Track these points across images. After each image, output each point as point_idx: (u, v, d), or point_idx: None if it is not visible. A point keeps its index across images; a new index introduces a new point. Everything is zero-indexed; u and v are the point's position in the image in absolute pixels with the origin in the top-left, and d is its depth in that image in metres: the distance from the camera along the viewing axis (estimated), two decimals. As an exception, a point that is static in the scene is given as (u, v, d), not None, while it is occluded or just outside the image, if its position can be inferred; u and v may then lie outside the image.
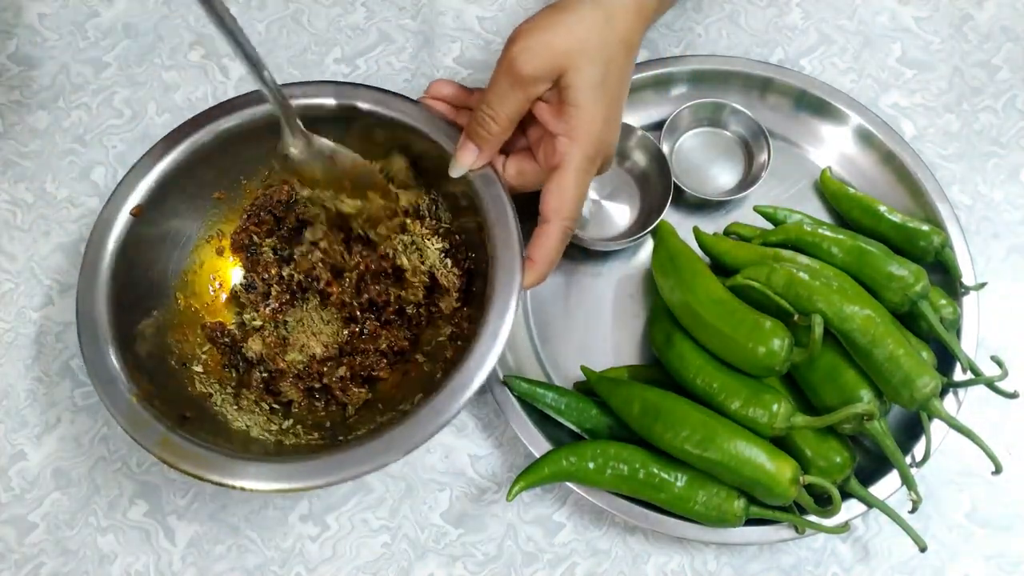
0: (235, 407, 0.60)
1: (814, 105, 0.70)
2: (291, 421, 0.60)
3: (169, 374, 0.59)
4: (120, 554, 0.61)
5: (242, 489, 0.52)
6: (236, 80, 0.74)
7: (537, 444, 0.60)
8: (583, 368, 0.63)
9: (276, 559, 0.61)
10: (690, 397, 0.59)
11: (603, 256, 0.68)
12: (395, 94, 0.61)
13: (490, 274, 0.56)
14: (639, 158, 0.69)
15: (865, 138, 0.69)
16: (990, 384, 0.59)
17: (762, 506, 0.57)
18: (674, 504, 0.57)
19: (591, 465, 0.57)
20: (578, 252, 0.68)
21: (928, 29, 0.75)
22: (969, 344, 0.62)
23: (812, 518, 0.57)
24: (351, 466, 0.52)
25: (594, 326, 0.66)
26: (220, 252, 0.65)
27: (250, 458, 0.53)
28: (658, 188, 0.68)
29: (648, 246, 0.68)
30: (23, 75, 0.74)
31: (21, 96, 0.73)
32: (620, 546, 0.61)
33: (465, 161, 0.57)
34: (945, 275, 0.64)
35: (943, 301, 0.62)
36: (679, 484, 0.57)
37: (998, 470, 0.56)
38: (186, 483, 0.63)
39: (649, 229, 0.66)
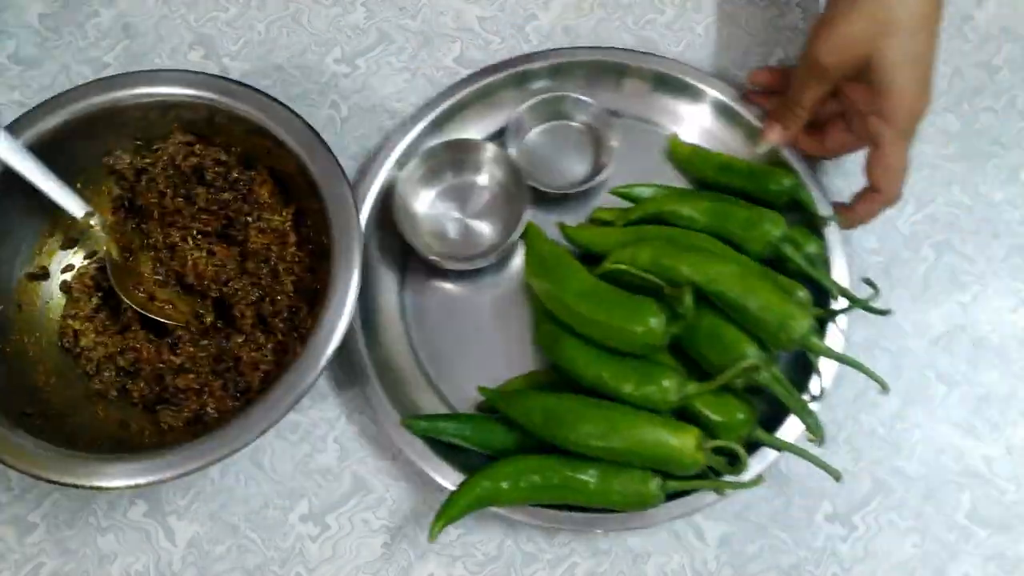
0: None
1: (670, 84, 0.70)
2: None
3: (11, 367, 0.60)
4: (120, 554, 0.61)
5: (94, 488, 0.53)
6: (236, 79, 0.74)
7: (450, 476, 0.59)
8: (480, 388, 0.62)
9: (276, 559, 0.61)
10: (587, 392, 0.59)
11: (478, 273, 0.67)
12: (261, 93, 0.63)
13: (333, 239, 0.58)
14: (493, 169, 0.69)
15: (724, 111, 0.70)
16: (864, 305, 0.59)
17: (677, 479, 0.57)
18: (594, 500, 0.57)
19: (505, 485, 0.57)
20: (452, 276, 0.67)
21: (928, 29, 0.75)
22: (841, 274, 0.63)
23: (728, 478, 0.57)
24: (208, 452, 0.54)
25: (485, 342, 0.66)
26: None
27: (104, 458, 0.54)
28: (515, 193, 0.67)
29: (521, 251, 0.67)
30: (23, 75, 0.74)
31: (21, 96, 0.73)
32: (620, 546, 0.61)
33: (772, 138, 0.65)
34: (804, 213, 0.65)
35: (808, 240, 0.62)
36: (593, 480, 0.57)
37: (885, 389, 0.56)
38: (186, 483, 0.63)
39: (515, 236, 0.65)
